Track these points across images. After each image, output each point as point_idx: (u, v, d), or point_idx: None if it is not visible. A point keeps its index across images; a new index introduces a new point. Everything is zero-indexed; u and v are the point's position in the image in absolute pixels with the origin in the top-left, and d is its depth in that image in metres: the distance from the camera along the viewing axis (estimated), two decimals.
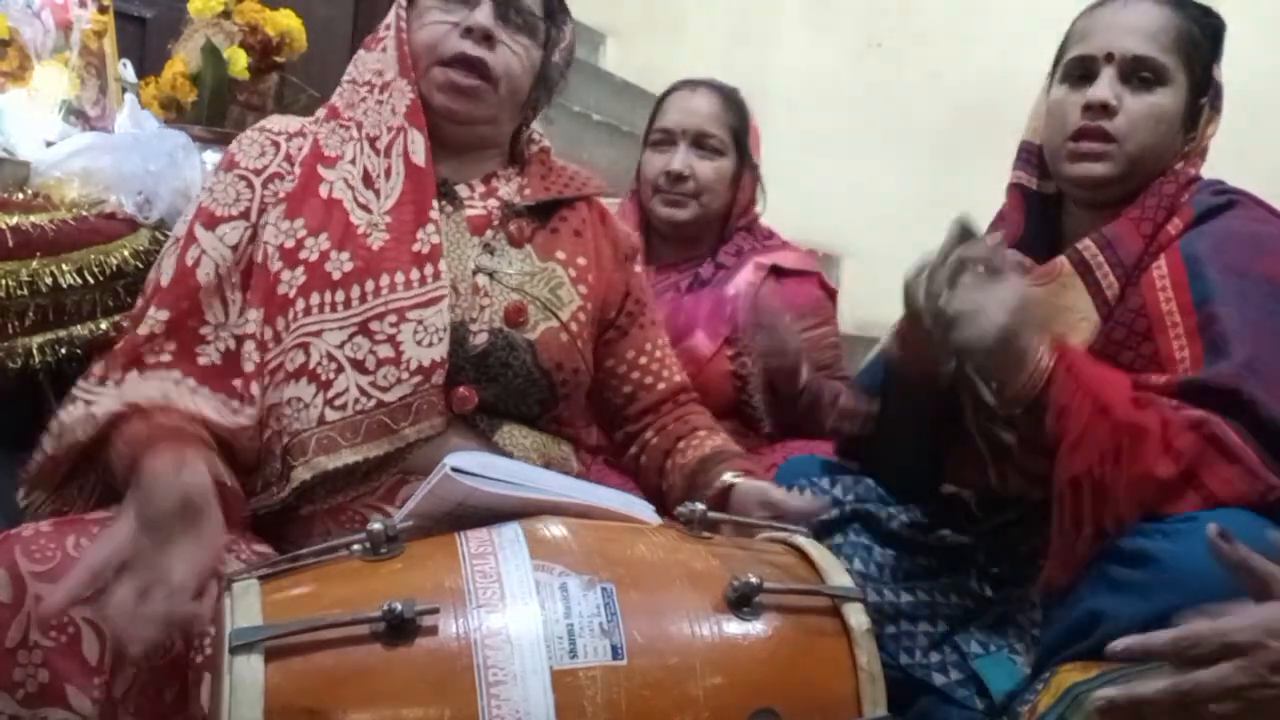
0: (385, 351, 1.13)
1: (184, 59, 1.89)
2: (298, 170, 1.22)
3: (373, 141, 1.22)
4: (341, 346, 1.12)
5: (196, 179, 1.60)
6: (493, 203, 1.28)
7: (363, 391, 1.12)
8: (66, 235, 1.50)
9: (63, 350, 1.50)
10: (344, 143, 1.23)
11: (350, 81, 1.27)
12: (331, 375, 1.12)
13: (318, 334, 1.13)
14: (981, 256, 1.15)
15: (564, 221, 1.32)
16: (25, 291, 1.46)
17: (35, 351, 1.48)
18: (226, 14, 1.93)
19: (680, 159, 1.90)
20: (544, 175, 1.33)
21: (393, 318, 1.13)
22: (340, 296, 1.14)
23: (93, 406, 1.09)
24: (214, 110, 1.89)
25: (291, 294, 1.14)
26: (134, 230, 1.58)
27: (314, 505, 1.14)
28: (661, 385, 1.37)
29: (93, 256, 1.52)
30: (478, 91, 1.23)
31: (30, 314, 1.47)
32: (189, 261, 1.17)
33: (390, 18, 1.27)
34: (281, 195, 1.20)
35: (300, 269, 1.15)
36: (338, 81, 1.31)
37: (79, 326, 1.52)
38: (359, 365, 1.12)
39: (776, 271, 1.93)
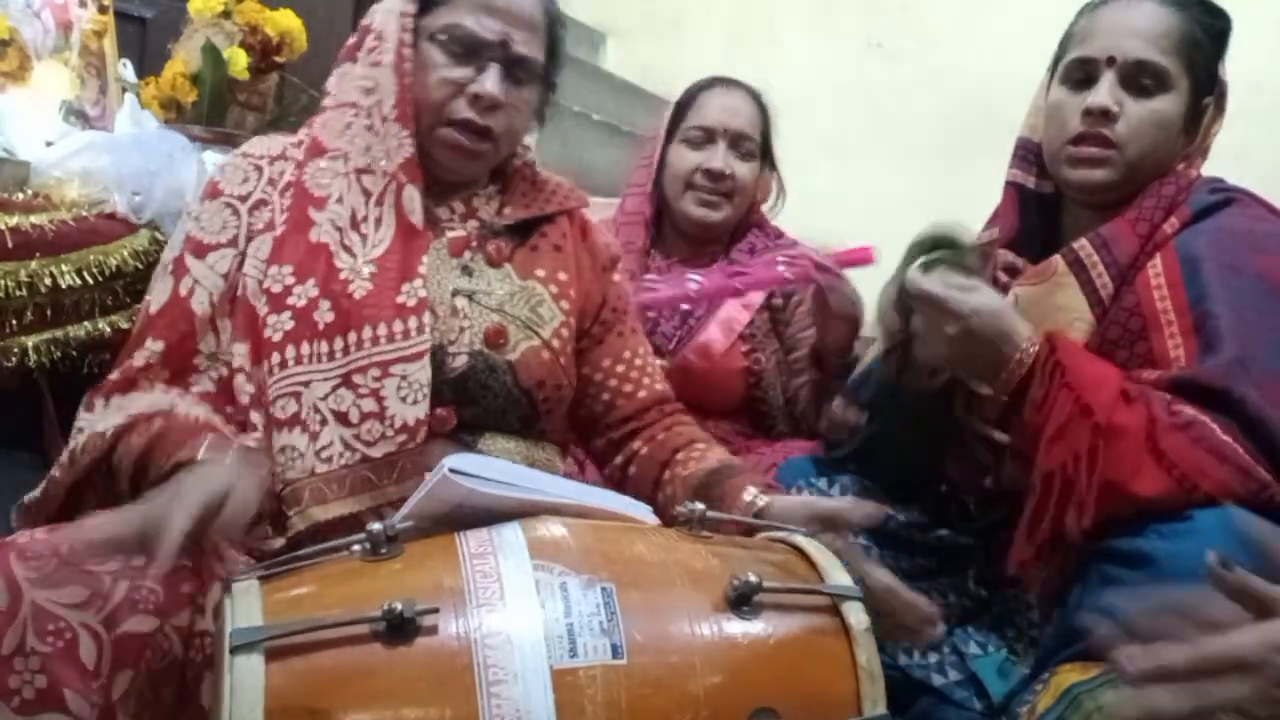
0: (369, 405, 1.11)
1: (184, 59, 1.89)
2: (277, 199, 1.21)
3: (361, 174, 1.20)
4: (326, 399, 1.12)
5: (191, 179, 1.60)
6: (472, 224, 1.27)
7: (347, 445, 1.11)
8: (66, 235, 1.50)
9: (58, 352, 1.50)
10: (333, 178, 1.20)
11: (335, 105, 1.24)
12: (318, 427, 1.11)
13: (306, 384, 1.12)
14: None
15: (544, 237, 1.30)
16: (24, 292, 1.46)
17: (32, 351, 1.48)
18: (226, 14, 1.93)
19: (721, 158, 1.89)
20: (526, 192, 1.31)
21: (375, 371, 1.12)
22: (324, 347, 1.13)
23: (97, 426, 1.09)
24: (214, 110, 1.89)
25: (277, 339, 1.14)
26: (133, 230, 1.58)
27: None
28: (642, 394, 1.34)
29: (92, 257, 1.52)
30: (483, 155, 1.23)
31: (29, 314, 1.47)
32: (183, 291, 1.18)
33: (388, 44, 1.21)
34: (262, 226, 1.19)
35: (287, 314, 1.15)
36: None
37: (77, 326, 1.52)
38: (342, 418, 1.11)
39: None
